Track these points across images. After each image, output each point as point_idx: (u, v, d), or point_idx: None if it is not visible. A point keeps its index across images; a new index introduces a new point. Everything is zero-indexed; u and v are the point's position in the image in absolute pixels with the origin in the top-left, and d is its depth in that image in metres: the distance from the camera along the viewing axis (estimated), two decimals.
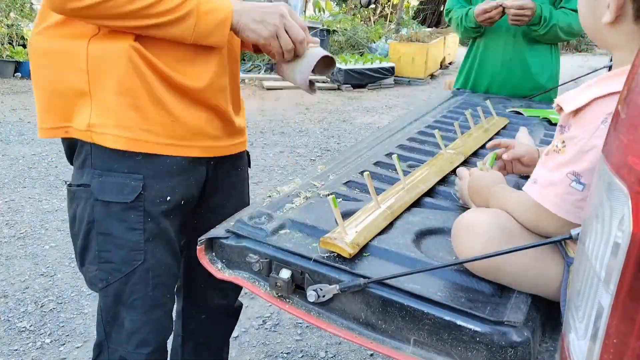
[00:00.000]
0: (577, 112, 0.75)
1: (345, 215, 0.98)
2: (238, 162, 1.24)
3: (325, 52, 1.05)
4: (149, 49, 0.97)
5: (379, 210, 0.97)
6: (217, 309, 1.36)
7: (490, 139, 1.53)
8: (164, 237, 1.07)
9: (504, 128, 1.66)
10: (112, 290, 1.06)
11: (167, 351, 1.18)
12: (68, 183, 1.07)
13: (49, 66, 1.01)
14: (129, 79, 0.97)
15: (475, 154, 1.40)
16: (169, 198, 1.05)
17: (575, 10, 1.98)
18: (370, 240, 0.90)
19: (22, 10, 7.31)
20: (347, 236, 0.86)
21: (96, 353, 1.14)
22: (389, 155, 1.37)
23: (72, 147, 1.07)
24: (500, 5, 1.95)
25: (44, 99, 1.03)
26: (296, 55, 1.03)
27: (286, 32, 1.00)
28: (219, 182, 1.20)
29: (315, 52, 1.05)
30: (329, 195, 1.07)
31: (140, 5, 0.91)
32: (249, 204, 1.27)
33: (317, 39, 1.09)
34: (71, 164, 1.09)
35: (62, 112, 1.02)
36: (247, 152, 1.29)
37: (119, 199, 1.00)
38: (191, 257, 1.25)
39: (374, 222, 0.93)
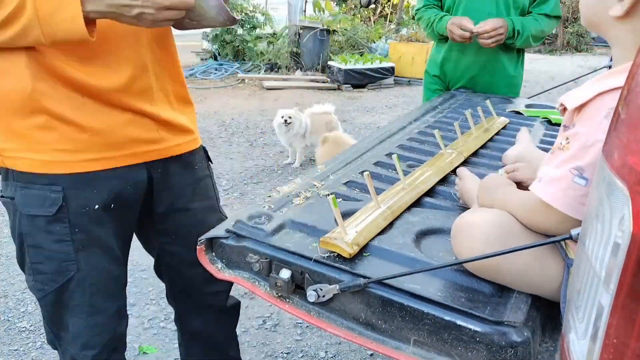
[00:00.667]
0: (580, 108, 0.75)
1: (345, 215, 0.98)
2: (191, 161, 1.18)
3: None
4: (47, 55, 0.91)
5: (379, 210, 0.97)
6: (211, 310, 1.35)
7: (490, 139, 1.53)
8: (97, 244, 1.05)
9: (504, 128, 1.66)
10: (51, 298, 1.06)
11: (119, 345, 1.18)
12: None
13: None
14: (34, 97, 0.92)
15: (475, 154, 1.40)
16: (96, 206, 1.01)
17: (546, 15, 2.03)
18: (370, 240, 0.90)
19: None
20: (347, 236, 0.86)
21: (57, 348, 1.18)
22: (389, 155, 1.37)
23: None
24: (472, 33, 1.98)
25: None
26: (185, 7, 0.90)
27: None
28: (171, 183, 1.15)
29: None
30: (329, 195, 1.07)
31: None
32: (218, 201, 1.26)
33: None
34: None
35: None
36: (204, 148, 1.24)
37: (41, 212, 0.98)
38: (170, 263, 1.25)
39: (374, 222, 0.93)
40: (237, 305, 1.45)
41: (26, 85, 0.92)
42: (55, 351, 1.96)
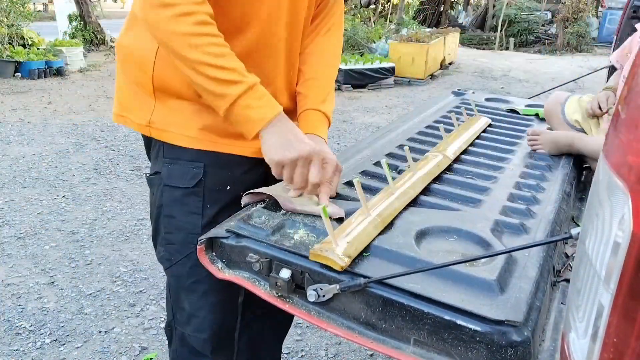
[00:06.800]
0: None
1: (347, 215, 0.98)
2: None
3: (334, 214, 0.99)
4: None
5: (369, 218, 0.95)
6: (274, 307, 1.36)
7: (478, 137, 1.54)
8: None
9: (489, 126, 1.68)
10: (175, 271, 1.13)
11: (229, 344, 1.18)
12: (147, 174, 1.17)
13: (124, 61, 1.12)
14: (192, 87, 1.02)
15: (462, 154, 1.41)
16: (228, 187, 1.10)
17: None
18: (362, 252, 0.88)
19: (22, 10, 7.30)
20: (338, 247, 0.85)
21: (168, 334, 1.22)
22: (389, 155, 1.37)
23: (149, 143, 1.15)
24: None
25: (117, 87, 1.15)
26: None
27: (295, 171, 0.99)
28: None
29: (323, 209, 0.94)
30: (318, 204, 1.07)
31: (199, 58, 0.93)
32: None
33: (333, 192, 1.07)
34: (149, 158, 1.18)
35: (126, 103, 1.13)
36: None
37: (182, 184, 1.08)
38: None
39: (365, 230, 0.91)
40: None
41: (188, 81, 1.01)
42: (61, 350, 1.98)
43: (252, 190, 1.05)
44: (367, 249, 0.88)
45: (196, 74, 0.94)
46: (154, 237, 1.17)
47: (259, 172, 1.14)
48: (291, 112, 1.19)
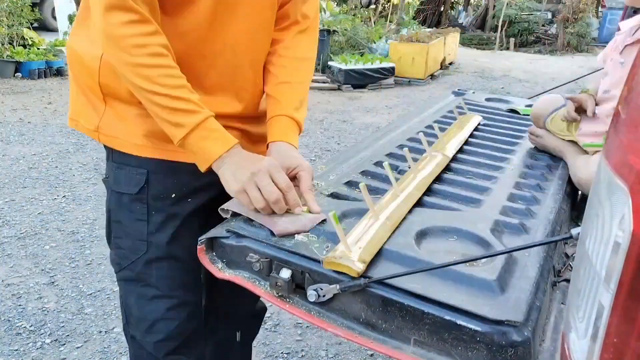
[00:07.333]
0: None
1: (347, 215, 0.98)
2: None
3: (308, 225, 0.95)
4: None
5: (378, 222, 0.94)
6: (239, 309, 1.34)
7: (470, 135, 1.55)
8: (171, 232, 1.08)
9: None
10: (124, 275, 1.13)
11: (188, 344, 1.17)
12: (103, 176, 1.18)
13: (73, 64, 1.10)
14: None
15: (465, 151, 1.41)
16: (174, 195, 1.08)
17: None
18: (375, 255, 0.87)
19: (21, 12, 7.30)
20: (352, 254, 0.84)
21: (127, 336, 1.22)
22: (390, 155, 1.37)
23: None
24: None
25: (70, 90, 1.15)
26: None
27: (260, 189, 0.95)
28: None
29: (303, 219, 0.95)
30: (330, 208, 1.07)
31: (151, 88, 0.93)
32: None
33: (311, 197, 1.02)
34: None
35: (78, 107, 1.12)
36: None
37: (127, 190, 1.07)
38: None
39: (377, 235, 0.91)
40: (262, 310, 1.44)
41: None
42: (61, 350, 1.98)
43: (233, 209, 0.99)
44: (379, 252, 0.87)
45: (151, 104, 0.94)
46: (108, 240, 1.17)
47: (207, 178, 1.07)
48: (257, 118, 1.17)
